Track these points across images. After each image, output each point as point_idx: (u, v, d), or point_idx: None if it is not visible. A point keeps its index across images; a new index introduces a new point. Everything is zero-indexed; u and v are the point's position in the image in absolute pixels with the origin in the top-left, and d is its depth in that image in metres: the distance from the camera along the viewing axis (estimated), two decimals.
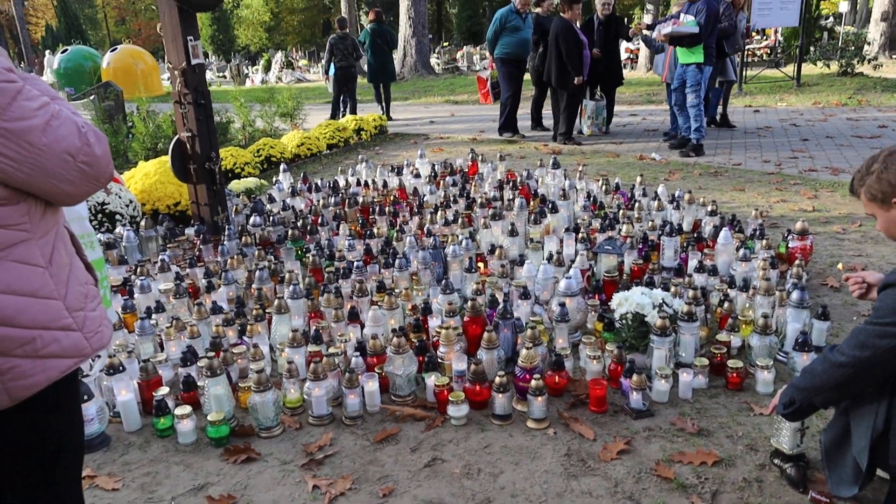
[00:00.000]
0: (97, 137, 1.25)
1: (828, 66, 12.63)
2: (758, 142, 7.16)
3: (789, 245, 3.52)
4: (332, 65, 9.78)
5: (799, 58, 11.52)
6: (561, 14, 7.20)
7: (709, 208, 4.05)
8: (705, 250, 3.56)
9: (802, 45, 11.58)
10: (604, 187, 4.71)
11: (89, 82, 14.62)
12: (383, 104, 10.27)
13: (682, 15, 6.42)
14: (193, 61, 4.02)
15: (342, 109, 9.93)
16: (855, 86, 10.87)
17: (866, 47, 13.64)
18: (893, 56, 15.91)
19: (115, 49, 15.39)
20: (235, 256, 3.65)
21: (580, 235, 3.67)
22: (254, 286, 3.29)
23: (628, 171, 5.92)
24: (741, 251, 3.34)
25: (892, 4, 15.63)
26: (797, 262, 3.25)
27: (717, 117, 7.99)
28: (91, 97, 7.49)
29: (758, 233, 3.71)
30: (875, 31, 15.64)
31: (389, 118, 9.83)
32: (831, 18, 27.21)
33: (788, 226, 4.03)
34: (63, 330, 1.27)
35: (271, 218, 4.37)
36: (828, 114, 8.63)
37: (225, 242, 3.92)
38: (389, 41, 10.35)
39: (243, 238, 3.97)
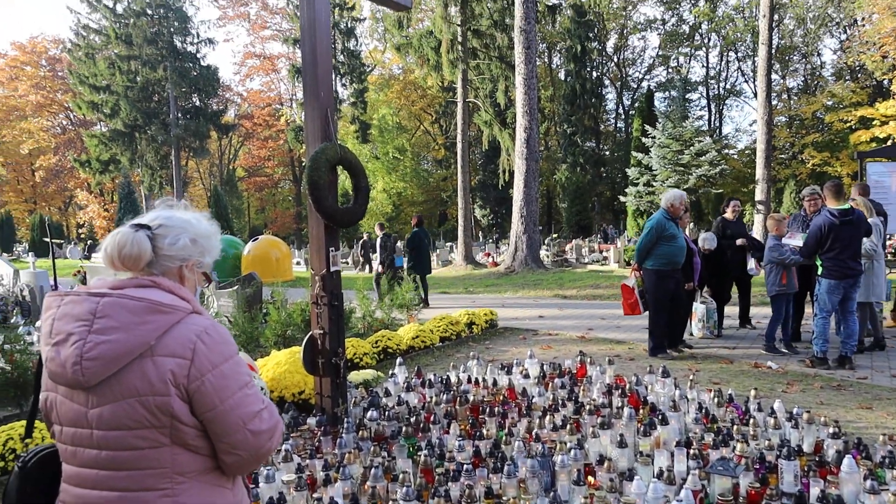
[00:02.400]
0: (270, 414, 1.57)
1: None
2: (885, 352, 6.83)
3: None
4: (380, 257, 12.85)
5: None
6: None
7: (831, 429, 3.90)
8: (829, 477, 3.40)
9: None
10: (716, 399, 4.65)
11: (232, 268, 16.30)
12: (422, 293, 12.11)
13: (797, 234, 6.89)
14: (332, 268, 4.57)
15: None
16: None
17: None
18: None
19: (256, 239, 17.18)
20: (352, 451, 3.87)
21: (692, 451, 3.63)
22: (368, 483, 3.45)
23: (742, 380, 5.80)
24: (869, 482, 3.18)
25: None
26: None
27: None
28: (235, 287, 8.40)
29: (888, 461, 3.52)
30: None
31: (427, 305, 11.98)
32: None
33: None
34: None
35: (386, 412, 4.61)
36: None
37: (343, 435, 4.16)
38: (428, 240, 13.02)
39: (360, 432, 4.20)
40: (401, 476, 3.43)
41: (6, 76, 48.65)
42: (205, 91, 40.58)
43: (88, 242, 38.07)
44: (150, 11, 37.90)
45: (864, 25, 32.54)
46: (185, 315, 1.51)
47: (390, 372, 5.87)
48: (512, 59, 21.07)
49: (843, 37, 40.48)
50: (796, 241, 6.90)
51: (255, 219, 53.62)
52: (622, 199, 25.69)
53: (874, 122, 28.20)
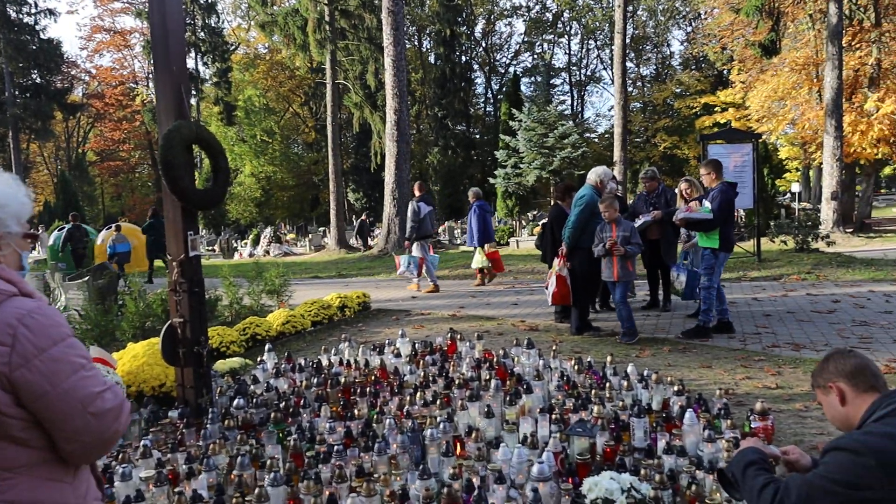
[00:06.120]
0: (114, 395, 1.46)
1: (785, 242, 13.49)
2: None
3: (752, 425, 3.69)
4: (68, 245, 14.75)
5: (757, 235, 12.35)
6: (558, 202, 7.76)
7: (675, 388, 4.25)
8: (674, 431, 3.70)
9: (759, 224, 12.47)
10: (576, 367, 4.92)
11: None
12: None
13: (703, 202, 6.60)
14: (192, 254, 4.35)
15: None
16: (812, 261, 11.56)
17: (821, 226, 14.67)
18: (847, 231, 17.04)
19: (111, 227, 16.10)
20: (217, 441, 3.73)
21: (554, 416, 3.82)
22: (234, 472, 3.34)
23: (602, 349, 6.17)
24: (707, 432, 3.49)
25: (839, 185, 17.03)
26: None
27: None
28: (85, 278, 7.79)
29: (723, 412, 3.89)
30: (826, 210, 16.87)
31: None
32: (788, 195, 29.23)
33: (754, 403, 4.20)
34: None
35: (254, 399, 4.48)
36: (788, 289, 9.14)
37: (208, 426, 4.00)
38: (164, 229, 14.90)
39: (226, 421, 4.06)
40: (268, 462, 3.36)
41: None
42: (46, 67, 37.01)
43: None
44: None
45: (706, 19, 35.26)
46: (5, 298, 1.38)
47: (259, 359, 5.70)
48: (381, 40, 20.90)
49: (689, 29, 43.74)
50: (680, 213, 6.66)
51: (111, 206, 49.96)
52: (492, 181, 26.38)
53: (716, 109, 30.79)
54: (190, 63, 40.20)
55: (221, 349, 6.27)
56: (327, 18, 23.36)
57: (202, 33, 40.27)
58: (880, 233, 18.87)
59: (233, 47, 45.69)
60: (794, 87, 23.35)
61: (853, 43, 20.94)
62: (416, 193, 11.07)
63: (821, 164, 19.08)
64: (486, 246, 11.41)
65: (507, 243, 21.90)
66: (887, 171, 41.66)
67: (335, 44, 23.67)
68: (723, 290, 6.76)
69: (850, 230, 17.69)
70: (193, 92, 40.67)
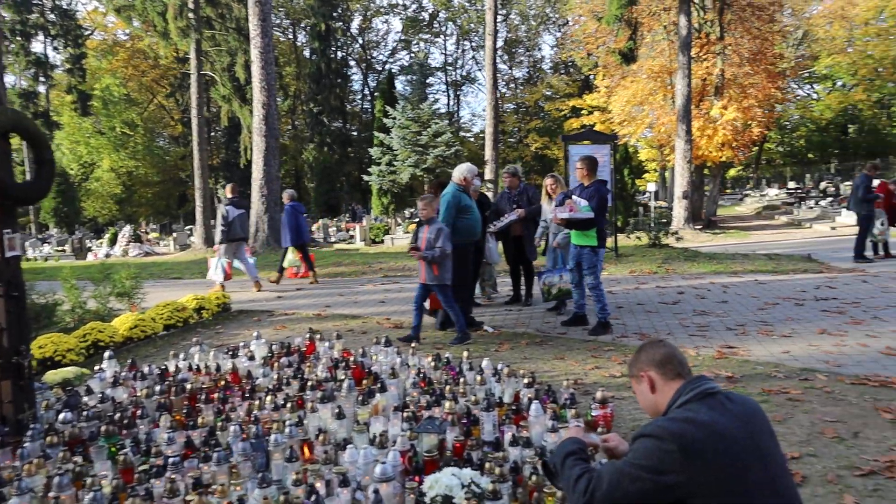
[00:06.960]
0: None
1: (640, 238, 14.36)
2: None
3: (593, 413, 3.84)
4: None
5: (615, 232, 13.05)
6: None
7: (526, 380, 4.35)
8: (522, 422, 3.78)
9: (617, 221, 13.19)
10: (434, 363, 4.92)
11: None
12: None
13: (574, 197, 6.49)
14: (9, 254, 3.92)
15: None
16: (663, 256, 12.38)
17: (673, 223, 15.75)
18: (696, 228, 18.43)
19: None
20: (36, 460, 3.38)
21: (406, 414, 3.79)
22: (51, 494, 3.04)
23: (464, 344, 6.23)
24: (551, 422, 3.59)
25: (689, 185, 18.36)
26: (600, 429, 3.53)
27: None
28: None
29: (569, 402, 4.02)
30: (678, 209, 18.15)
31: None
32: (647, 194, 31.15)
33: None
34: None
35: (86, 412, 4.11)
36: (640, 282, 9.71)
37: (26, 444, 3.62)
38: None
39: (49, 438, 3.69)
40: (89, 480, 3.08)
41: None
42: None
43: None
44: None
45: (574, 25, 36.92)
46: None
47: (97, 367, 5.26)
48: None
49: (559, 34, 45.66)
50: (563, 213, 6.52)
51: None
52: (366, 178, 26.18)
53: (583, 112, 32.34)
54: (38, 47, 36.98)
55: (56, 358, 5.75)
56: (191, 6, 22.18)
57: (52, 15, 37.13)
58: (725, 229, 20.57)
59: (88, 32, 42.48)
60: (651, 94, 24.96)
61: (701, 54, 22.67)
62: (228, 196, 10.76)
63: (674, 165, 20.49)
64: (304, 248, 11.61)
65: (382, 241, 21.83)
66: (732, 172, 45.62)
67: (200, 33, 22.54)
68: (585, 286, 6.95)
69: (699, 227, 19.15)
70: (42, 79, 37.51)
